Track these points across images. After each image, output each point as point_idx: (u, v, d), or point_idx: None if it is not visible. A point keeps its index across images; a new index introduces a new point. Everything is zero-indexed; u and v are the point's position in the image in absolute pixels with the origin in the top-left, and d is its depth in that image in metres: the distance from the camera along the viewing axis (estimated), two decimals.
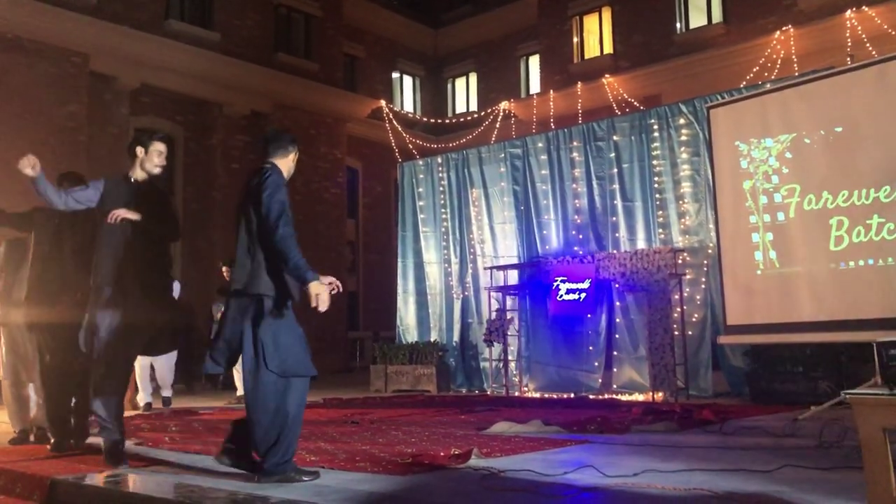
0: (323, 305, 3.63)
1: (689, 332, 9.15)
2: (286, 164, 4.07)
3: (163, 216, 4.83)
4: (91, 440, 5.35)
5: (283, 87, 18.44)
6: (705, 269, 9.30)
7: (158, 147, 4.83)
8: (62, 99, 14.60)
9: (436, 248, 12.38)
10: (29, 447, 5.37)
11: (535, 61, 21.11)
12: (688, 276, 9.28)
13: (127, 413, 5.36)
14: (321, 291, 3.63)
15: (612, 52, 18.88)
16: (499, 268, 11.18)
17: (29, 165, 4.42)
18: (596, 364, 10.09)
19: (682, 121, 9.74)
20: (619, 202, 10.26)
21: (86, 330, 4.59)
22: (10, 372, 5.77)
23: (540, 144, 11.28)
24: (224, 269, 9.61)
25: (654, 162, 9.94)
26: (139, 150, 4.80)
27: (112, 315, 4.52)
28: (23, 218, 5.52)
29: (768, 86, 8.30)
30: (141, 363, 8.29)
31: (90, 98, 15.11)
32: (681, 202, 9.65)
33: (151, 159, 4.80)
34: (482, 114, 17.86)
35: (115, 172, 4.87)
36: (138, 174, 4.81)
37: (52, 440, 5.13)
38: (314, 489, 3.56)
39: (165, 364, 8.92)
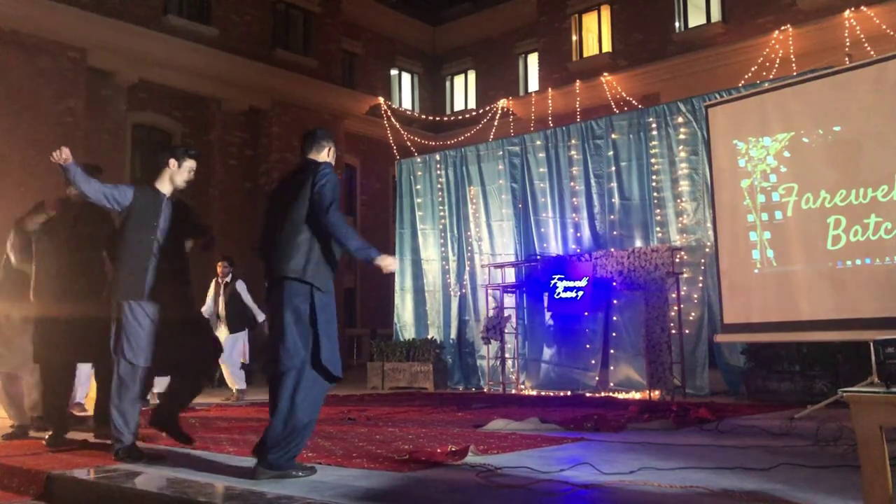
0: (392, 268, 4.07)
1: (687, 331, 9.15)
2: (323, 158, 4.13)
3: (195, 228, 4.90)
4: (90, 438, 5.36)
5: (281, 84, 18.41)
6: (703, 267, 9.31)
7: (191, 164, 4.81)
8: (60, 94, 14.56)
9: (433, 245, 12.38)
10: (25, 442, 5.37)
11: (533, 59, 21.10)
12: (685, 275, 9.28)
13: None
14: (390, 262, 4.00)
15: (610, 50, 18.87)
16: (496, 265, 11.18)
17: (60, 159, 4.32)
18: (593, 362, 10.10)
19: (680, 119, 9.74)
20: (617, 200, 10.26)
21: (112, 341, 4.55)
22: (4, 367, 5.77)
23: (538, 142, 11.27)
24: (219, 264, 9.57)
25: (653, 160, 9.94)
26: (172, 163, 4.73)
27: (138, 329, 4.47)
28: (27, 249, 5.48)
29: (767, 85, 8.30)
30: None
31: (88, 93, 15.07)
32: (679, 201, 9.65)
33: (182, 174, 4.76)
34: (480, 111, 17.85)
35: (144, 183, 4.81)
36: (166, 187, 4.76)
37: (48, 434, 5.12)
38: (310, 485, 3.55)
39: None
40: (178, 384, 4.87)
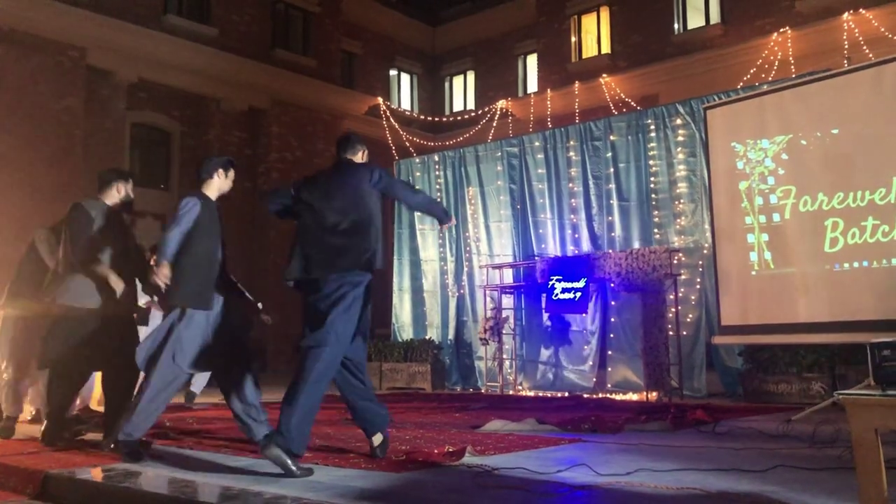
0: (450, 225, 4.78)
1: (684, 332, 9.15)
2: (358, 160, 4.60)
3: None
4: (89, 436, 5.36)
5: (280, 84, 18.41)
6: (700, 269, 9.32)
7: (233, 174, 4.92)
8: (59, 93, 14.56)
9: (432, 246, 12.38)
10: (22, 441, 5.36)
11: (532, 60, 21.11)
12: (683, 277, 9.28)
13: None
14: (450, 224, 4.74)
15: (609, 51, 18.89)
16: (494, 266, 11.19)
17: (166, 278, 4.39)
18: (590, 363, 10.11)
19: (678, 121, 9.75)
20: (615, 202, 10.27)
21: (152, 342, 4.54)
22: (12, 364, 5.80)
23: (537, 143, 11.28)
24: None
25: (651, 162, 9.95)
26: (220, 173, 4.81)
27: (196, 336, 4.49)
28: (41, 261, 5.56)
29: (765, 87, 8.31)
30: None
31: (87, 92, 15.08)
32: (677, 202, 9.66)
33: (227, 184, 4.87)
34: (479, 112, 17.86)
35: (196, 191, 4.82)
36: (214, 195, 4.82)
37: (44, 432, 5.11)
38: (307, 485, 3.56)
39: None
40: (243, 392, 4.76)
